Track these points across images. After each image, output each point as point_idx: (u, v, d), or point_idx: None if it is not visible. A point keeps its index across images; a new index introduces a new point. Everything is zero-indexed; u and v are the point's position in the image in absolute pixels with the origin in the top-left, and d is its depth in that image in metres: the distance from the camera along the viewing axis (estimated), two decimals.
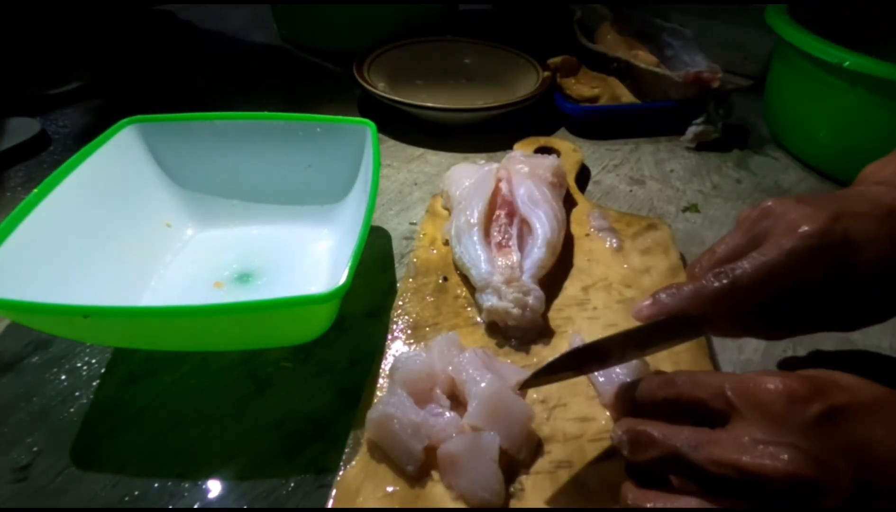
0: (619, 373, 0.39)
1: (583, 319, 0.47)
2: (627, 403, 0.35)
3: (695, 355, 0.43)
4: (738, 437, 0.28)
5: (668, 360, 0.43)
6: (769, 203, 0.36)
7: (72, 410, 0.42)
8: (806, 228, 0.33)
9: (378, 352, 0.44)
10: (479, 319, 0.47)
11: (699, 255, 0.39)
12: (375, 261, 0.55)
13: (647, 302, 0.36)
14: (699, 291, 0.35)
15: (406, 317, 0.47)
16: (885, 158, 0.39)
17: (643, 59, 0.79)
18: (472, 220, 0.50)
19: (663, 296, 0.36)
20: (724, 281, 0.34)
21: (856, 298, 0.35)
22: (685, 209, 0.64)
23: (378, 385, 0.41)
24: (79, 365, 0.45)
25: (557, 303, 0.48)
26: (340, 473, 0.36)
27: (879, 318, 0.37)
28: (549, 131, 0.77)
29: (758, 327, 0.38)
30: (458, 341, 0.42)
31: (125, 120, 0.53)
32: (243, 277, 0.51)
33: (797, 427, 0.27)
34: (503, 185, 0.54)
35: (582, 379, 0.42)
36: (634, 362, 0.39)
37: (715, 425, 0.30)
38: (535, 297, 0.45)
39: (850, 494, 0.26)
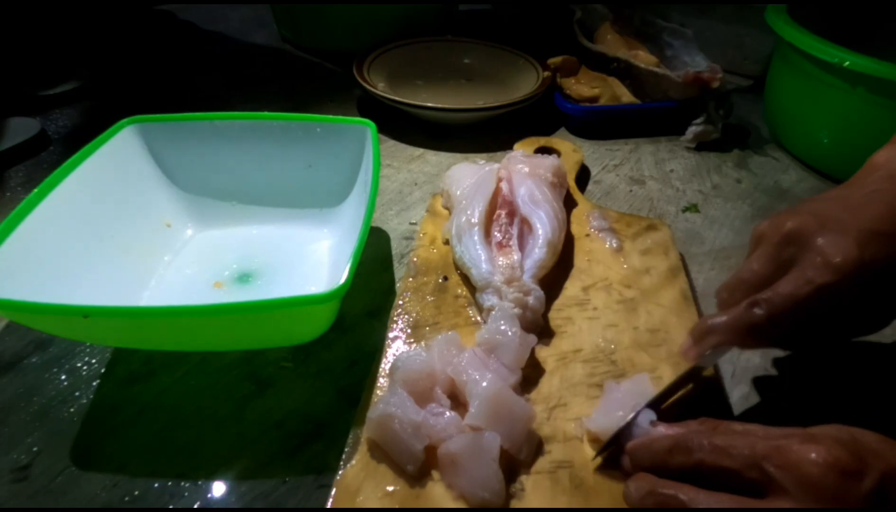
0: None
1: (583, 319, 0.47)
2: (637, 462, 0.34)
3: None
4: None
5: (668, 362, 0.43)
6: (790, 226, 0.36)
7: (72, 410, 0.42)
8: (836, 261, 0.33)
9: (378, 352, 0.44)
10: (479, 318, 0.47)
11: (726, 281, 0.39)
12: (375, 261, 0.55)
13: (690, 343, 0.39)
14: (737, 324, 0.36)
15: (406, 317, 0.47)
16: (892, 145, 0.38)
17: (643, 59, 0.79)
18: (472, 220, 0.50)
19: (705, 335, 0.38)
20: (760, 312, 0.35)
21: (882, 307, 0.36)
22: (685, 209, 0.64)
23: (378, 385, 0.41)
24: (79, 365, 0.45)
25: (557, 303, 0.48)
26: (340, 472, 0.36)
27: None
28: (549, 131, 0.77)
29: (786, 344, 0.39)
30: (458, 341, 0.42)
31: (125, 120, 0.53)
32: (243, 277, 0.51)
33: (851, 504, 0.26)
34: (504, 185, 0.54)
35: (583, 379, 0.42)
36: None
37: (746, 492, 0.29)
38: (535, 297, 0.45)
39: None
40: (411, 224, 0.60)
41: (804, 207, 0.37)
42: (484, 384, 0.37)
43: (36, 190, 0.44)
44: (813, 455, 0.27)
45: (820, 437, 0.28)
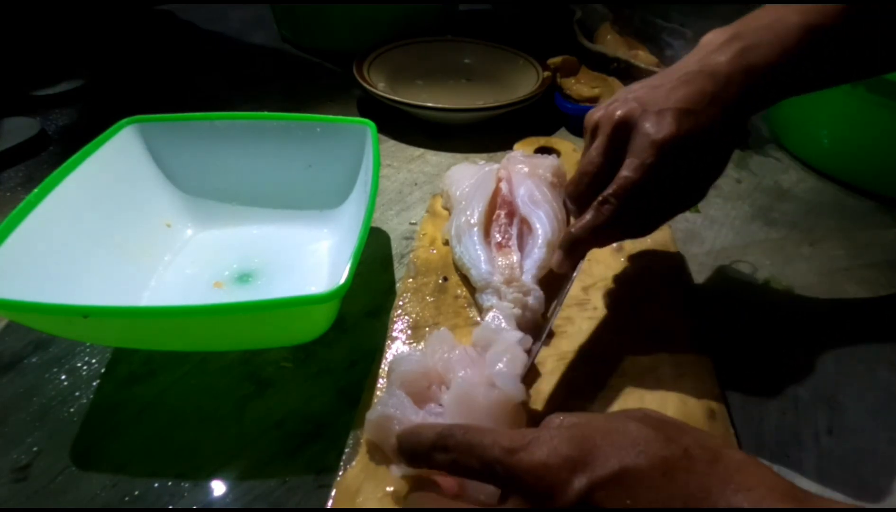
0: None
1: (583, 319, 0.47)
2: (402, 451, 0.32)
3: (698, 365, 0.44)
4: None
5: (668, 362, 0.43)
6: (619, 114, 0.39)
7: (72, 410, 0.42)
8: (658, 139, 0.37)
9: (378, 352, 0.44)
10: (479, 318, 0.47)
11: (572, 177, 0.42)
12: (375, 261, 0.55)
13: (562, 256, 0.41)
14: (595, 225, 0.39)
15: (406, 317, 0.47)
16: (723, 29, 0.41)
17: (643, 59, 0.79)
18: (472, 220, 0.50)
19: (572, 245, 0.41)
20: (610, 207, 0.39)
21: (703, 175, 0.41)
22: None
23: (378, 385, 0.41)
24: (79, 365, 0.45)
25: None
26: (340, 473, 0.36)
27: (714, 179, 0.41)
28: (549, 131, 0.77)
29: (633, 230, 0.42)
30: (450, 338, 0.41)
31: (125, 120, 0.53)
32: (243, 277, 0.51)
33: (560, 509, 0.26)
34: (503, 186, 0.54)
35: (579, 378, 0.42)
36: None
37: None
38: (534, 297, 0.45)
39: None
40: (411, 224, 0.60)
41: (630, 95, 0.40)
42: (458, 382, 0.37)
43: (36, 190, 0.44)
44: (533, 455, 0.27)
45: (559, 429, 0.28)
